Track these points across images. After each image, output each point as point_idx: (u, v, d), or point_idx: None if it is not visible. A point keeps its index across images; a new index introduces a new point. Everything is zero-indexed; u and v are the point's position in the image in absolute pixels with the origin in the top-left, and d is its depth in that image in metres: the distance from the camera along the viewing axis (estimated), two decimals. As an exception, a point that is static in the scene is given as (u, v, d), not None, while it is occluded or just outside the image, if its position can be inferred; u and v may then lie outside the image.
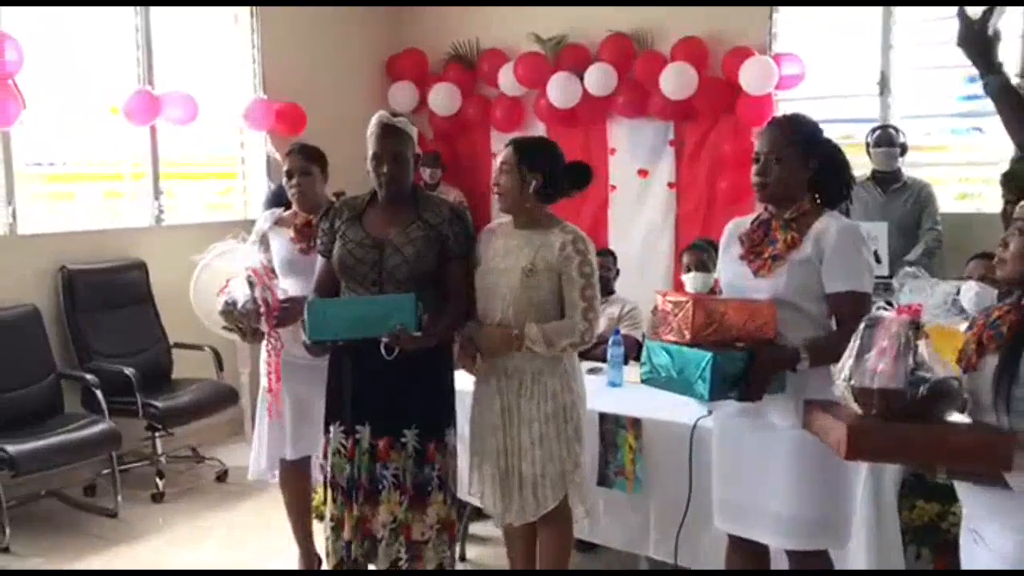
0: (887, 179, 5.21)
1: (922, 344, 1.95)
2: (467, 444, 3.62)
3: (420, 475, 3.05)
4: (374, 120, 3.08)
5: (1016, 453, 1.86)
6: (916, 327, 1.97)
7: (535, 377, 3.00)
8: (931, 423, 1.94)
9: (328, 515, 3.14)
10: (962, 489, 2.06)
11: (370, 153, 3.06)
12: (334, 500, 3.11)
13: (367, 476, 3.04)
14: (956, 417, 1.97)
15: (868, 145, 5.24)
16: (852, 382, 2.00)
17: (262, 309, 3.30)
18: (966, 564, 2.11)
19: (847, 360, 2.03)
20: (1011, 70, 5.15)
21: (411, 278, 3.00)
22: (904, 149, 5.22)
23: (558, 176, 3.06)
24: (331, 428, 3.11)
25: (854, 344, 2.04)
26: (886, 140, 5.19)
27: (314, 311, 2.91)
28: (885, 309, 2.04)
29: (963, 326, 2.09)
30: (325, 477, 3.16)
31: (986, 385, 1.95)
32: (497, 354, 3.01)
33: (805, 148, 2.63)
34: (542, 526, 3.12)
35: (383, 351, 2.91)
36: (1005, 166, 5.25)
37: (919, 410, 1.93)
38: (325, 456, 3.14)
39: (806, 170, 2.63)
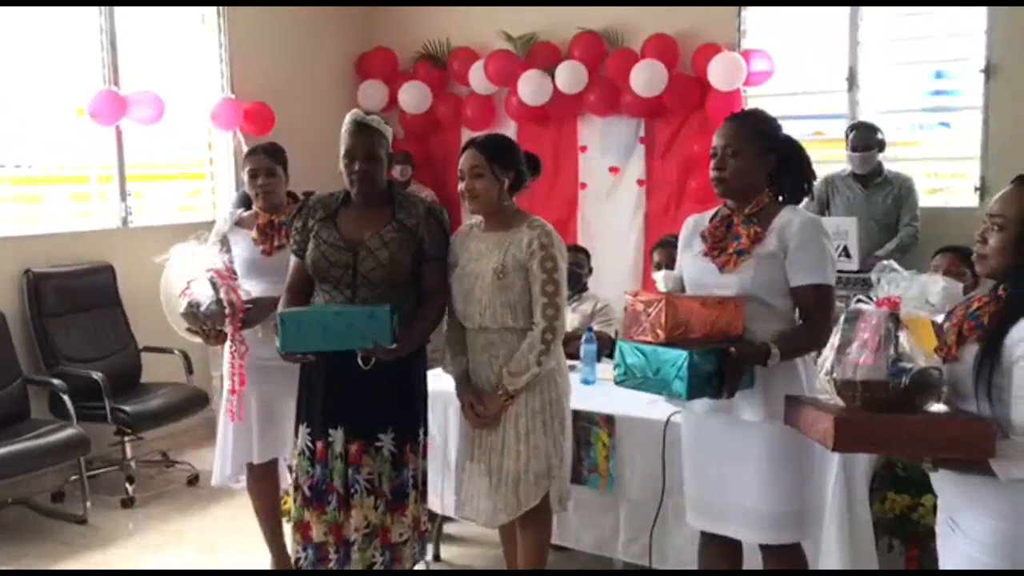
0: (866, 174, 5.21)
1: (903, 335, 1.97)
2: (438, 447, 3.66)
3: (398, 478, 3.03)
4: (348, 118, 3.06)
5: (998, 440, 1.88)
6: (896, 319, 1.98)
7: None
8: (914, 413, 1.96)
9: (292, 516, 3.11)
10: (937, 478, 2.08)
11: (343, 151, 3.02)
12: (294, 502, 3.08)
13: (340, 481, 3.01)
14: (936, 407, 1.99)
15: (847, 143, 5.24)
16: (834, 375, 2.01)
17: (227, 310, 3.26)
18: (943, 554, 2.12)
19: (828, 354, 2.04)
20: (975, 66, 5.27)
21: (386, 280, 2.98)
22: (882, 146, 5.21)
23: (523, 168, 3.08)
24: (299, 430, 3.08)
25: (835, 338, 2.05)
26: (862, 144, 5.15)
27: (287, 324, 2.84)
28: (864, 302, 2.05)
29: (940, 317, 2.10)
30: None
31: (967, 374, 1.97)
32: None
33: (762, 143, 2.64)
34: (521, 524, 3.11)
35: (360, 362, 2.91)
36: (976, 162, 5.32)
37: (902, 400, 1.95)
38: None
39: (764, 165, 2.64)
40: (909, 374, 1.93)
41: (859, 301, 2.08)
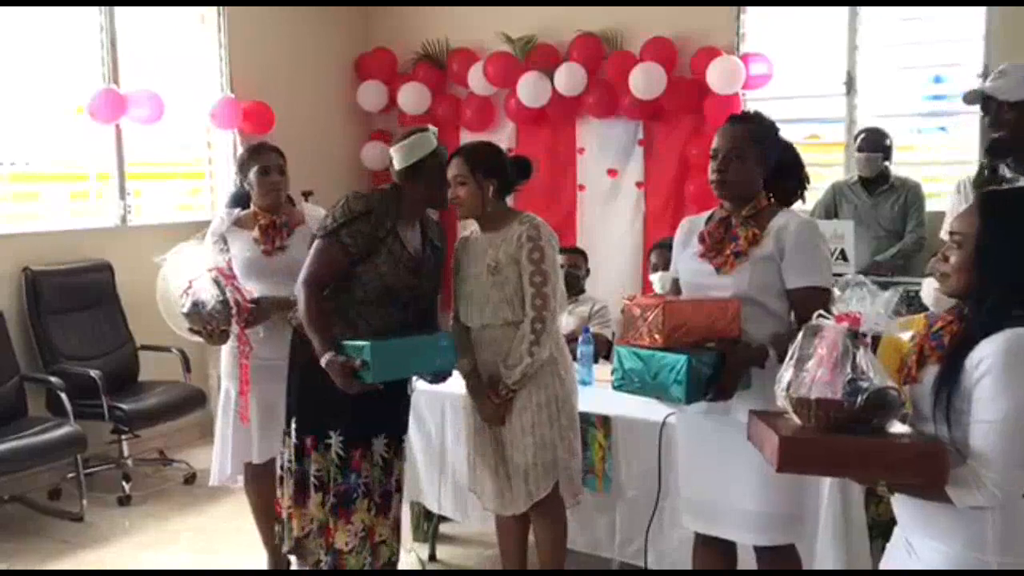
0: (873, 181, 5.19)
1: (860, 353, 1.90)
2: (435, 447, 3.68)
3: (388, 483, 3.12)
4: (435, 138, 3.03)
5: (955, 466, 1.82)
6: (855, 336, 1.92)
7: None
8: (870, 434, 1.88)
9: (311, 517, 3.05)
10: (895, 498, 2.02)
11: (438, 176, 3.03)
12: (322, 506, 3.04)
13: (379, 487, 3.06)
14: (897, 427, 1.92)
15: (855, 144, 5.24)
16: (790, 392, 1.94)
17: (233, 310, 3.26)
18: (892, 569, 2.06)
19: (786, 370, 1.98)
20: (973, 71, 5.28)
21: (429, 300, 3.12)
22: (888, 152, 5.17)
23: (508, 174, 3.12)
24: (330, 435, 3.00)
25: (793, 353, 1.99)
26: (868, 145, 5.13)
27: (379, 354, 2.74)
28: (824, 317, 1.98)
29: (907, 335, 2.07)
30: (307, 480, 3.04)
31: (926, 395, 1.91)
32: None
33: (764, 146, 2.65)
34: (536, 518, 3.15)
35: (408, 388, 3.04)
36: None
37: (857, 420, 1.87)
38: (305, 457, 3.05)
39: (764, 168, 2.66)
40: (865, 393, 1.86)
41: (819, 316, 2.00)
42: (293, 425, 3.09)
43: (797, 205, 2.76)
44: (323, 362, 2.79)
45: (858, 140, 5.22)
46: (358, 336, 2.83)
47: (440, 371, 3.03)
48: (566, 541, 3.24)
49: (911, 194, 5.18)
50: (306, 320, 2.89)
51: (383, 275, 2.94)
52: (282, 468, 3.16)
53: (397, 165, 3.01)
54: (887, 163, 5.19)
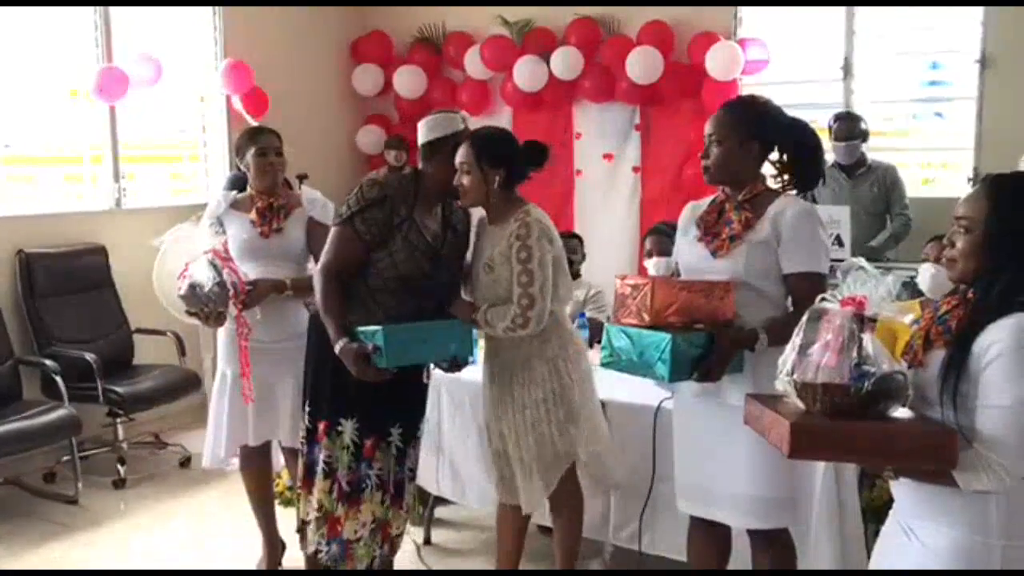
0: (851, 165, 5.23)
1: (867, 338, 1.89)
2: (432, 430, 3.70)
3: (400, 472, 3.11)
4: (460, 121, 3.00)
5: (961, 450, 1.81)
6: (861, 320, 1.90)
7: (524, 364, 3.02)
8: (875, 419, 1.87)
9: (316, 504, 3.02)
10: (896, 484, 2.01)
11: (445, 161, 2.97)
12: (328, 493, 3.00)
13: (392, 478, 3.05)
14: (899, 412, 1.91)
15: (831, 133, 5.26)
16: (795, 377, 1.92)
17: (231, 292, 3.26)
18: (894, 557, 2.04)
19: (790, 354, 1.96)
20: (970, 58, 5.27)
21: (450, 289, 3.06)
22: (865, 136, 5.22)
23: (518, 163, 3.03)
24: (342, 422, 2.97)
25: (796, 337, 1.97)
26: (845, 135, 5.15)
27: (392, 339, 2.72)
28: (828, 301, 1.97)
29: (908, 318, 2.06)
30: (316, 466, 3.03)
31: (932, 380, 1.90)
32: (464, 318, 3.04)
33: (748, 131, 2.63)
34: (553, 512, 3.17)
35: (424, 375, 3.00)
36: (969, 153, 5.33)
37: (864, 406, 1.86)
38: (314, 442, 3.04)
39: (750, 152, 2.64)
40: (872, 379, 1.84)
41: (823, 300, 1.98)
42: (307, 408, 3.08)
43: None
44: (337, 349, 2.78)
45: (834, 129, 5.22)
46: (374, 324, 2.79)
47: (456, 358, 2.98)
48: (579, 536, 3.23)
49: (889, 177, 5.24)
50: (321, 308, 2.88)
51: (398, 263, 2.90)
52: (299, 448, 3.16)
53: (420, 139, 3.01)
54: (864, 145, 5.22)
